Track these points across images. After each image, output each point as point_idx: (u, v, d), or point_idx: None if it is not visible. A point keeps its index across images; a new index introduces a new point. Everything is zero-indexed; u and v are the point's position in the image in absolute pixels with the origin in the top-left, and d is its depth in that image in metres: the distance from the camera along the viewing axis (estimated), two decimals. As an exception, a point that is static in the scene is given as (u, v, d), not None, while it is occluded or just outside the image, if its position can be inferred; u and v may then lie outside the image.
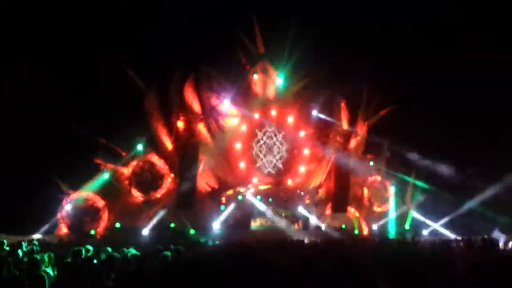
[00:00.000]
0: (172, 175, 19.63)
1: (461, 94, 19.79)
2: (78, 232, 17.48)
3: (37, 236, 15.74)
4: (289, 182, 22.04)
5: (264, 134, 22.22)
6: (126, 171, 19.02)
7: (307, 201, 21.69)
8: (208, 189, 20.27)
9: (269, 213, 20.33)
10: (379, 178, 23.64)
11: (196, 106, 20.38)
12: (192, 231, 17.93)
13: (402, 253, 8.23)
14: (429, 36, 20.86)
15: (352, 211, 22.87)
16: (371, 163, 23.54)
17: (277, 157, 22.26)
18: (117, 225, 18.02)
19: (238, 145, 21.44)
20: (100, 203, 18.41)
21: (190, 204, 19.48)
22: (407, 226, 23.03)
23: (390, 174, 23.61)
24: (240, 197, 20.28)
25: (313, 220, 21.19)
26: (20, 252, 8.13)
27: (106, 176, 18.64)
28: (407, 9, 20.14)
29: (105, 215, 18.38)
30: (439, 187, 21.40)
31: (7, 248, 8.73)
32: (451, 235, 19.01)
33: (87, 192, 18.40)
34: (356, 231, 21.94)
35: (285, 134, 22.50)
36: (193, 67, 20.15)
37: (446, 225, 21.44)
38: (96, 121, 17.43)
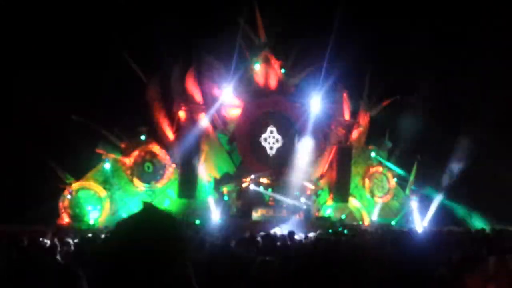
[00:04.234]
0: (173, 165, 19.63)
1: (466, 85, 19.70)
2: (80, 222, 17.56)
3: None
4: (291, 172, 22.01)
5: (266, 125, 22.16)
6: (128, 161, 19.01)
7: (309, 192, 21.71)
8: (210, 179, 20.29)
9: (270, 203, 20.41)
10: (380, 169, 23.67)
11: (198, 96, 20.32)
12: (197, 221, 17.91)
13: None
14: (434, 23, 20.72)
15: (353, 202, 22.93)
16: (373, 154, 23.58)
17: (279, 148, 22.22)
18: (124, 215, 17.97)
19: (239, 136, 21.39)
20: (102, 193, 18.45)
21: (191, 195, 19.53)
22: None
23: (392, 165, 23.66)
24: (240, 187, 20.28)
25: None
26: None
27: (107, 166, 18.66)
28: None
29: (107, 205, 18.42)
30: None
31: None
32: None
33: (89, 182, 18.43)
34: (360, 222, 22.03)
35: (286, 125, 22.45)
36: (195, 56, 20.07)
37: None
38: (97, 111, 17.39)
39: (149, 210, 1.17)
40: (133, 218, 1.17)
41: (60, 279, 2.80)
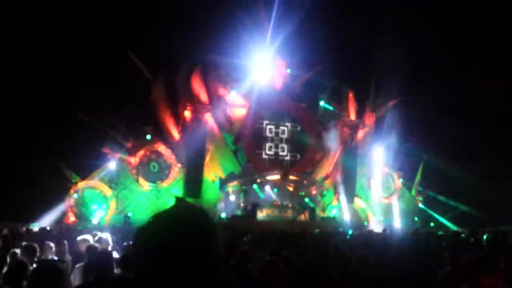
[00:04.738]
0: (179, 165, 19.66)
1: (471, 85, 19.58)
2: (86, 221, 17.60)
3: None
4: (296, 173, 21.97)
5: (271, 124, 22.14)
6: (134, 160, 19.06)
7: (314, 192, 21.65)
8: (215, 179, 20.29)
9: (276, 203, 20.37)
10: (386, 169, 23.55)
11: (203, 96, 20.32)
12: None
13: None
14: (439, 26, 20.62)
15: (358, 202, 22.82)
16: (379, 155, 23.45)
17: (284, 147, 22.19)
18: (129, 214, 17.97)
19: (244, 136, 21.37)
20: (108, 192, 18.51)
21: (196, 194, 19.52)
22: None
23: (398, 165, 23.54)
24: (247, 187, 20.28)
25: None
26: None
27: (113, 165, 18.71)
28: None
29: (112, 204, 18.47)
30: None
31: None
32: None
33: (95, 181, 18.50)
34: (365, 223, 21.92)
35: (292, 124, 22.42)
36: (201, 57, 20.09)
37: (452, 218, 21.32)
38: (103, 111, 17.46)
39: (182, 204, 1.21)
40: (167, 212, 1.23)
41: (46, 274, 2.85)
